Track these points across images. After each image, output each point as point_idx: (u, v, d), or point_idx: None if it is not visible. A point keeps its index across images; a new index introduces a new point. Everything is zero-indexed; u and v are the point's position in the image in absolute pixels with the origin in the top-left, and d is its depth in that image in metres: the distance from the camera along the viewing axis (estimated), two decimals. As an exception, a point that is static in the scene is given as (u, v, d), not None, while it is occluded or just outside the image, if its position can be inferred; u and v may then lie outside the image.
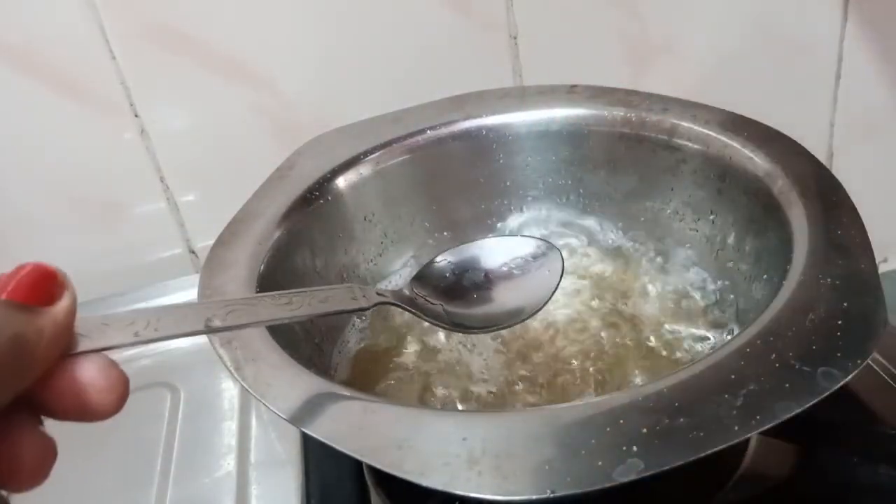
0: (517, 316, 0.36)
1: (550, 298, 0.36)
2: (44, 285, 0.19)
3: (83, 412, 0.19)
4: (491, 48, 0.56)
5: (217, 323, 0.25)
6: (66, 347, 0.20)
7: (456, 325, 0.36)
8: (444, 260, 0.39)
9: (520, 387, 0.39)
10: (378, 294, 0.33)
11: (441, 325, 0.36)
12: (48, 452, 0.19)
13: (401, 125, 0.48)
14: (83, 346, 0.20)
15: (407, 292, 0.36)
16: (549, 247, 0.39)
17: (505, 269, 0.38)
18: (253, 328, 0.32)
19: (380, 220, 0.47)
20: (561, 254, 0.38)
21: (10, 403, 0.18)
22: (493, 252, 0.39)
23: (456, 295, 0.37)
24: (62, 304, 0.19)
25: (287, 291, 0.28)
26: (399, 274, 0.48)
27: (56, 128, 0.52)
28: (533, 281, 0.38)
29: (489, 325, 0.36)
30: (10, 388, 0.18)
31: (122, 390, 0.20)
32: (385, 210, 0.47)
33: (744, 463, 0.36)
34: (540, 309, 0.36)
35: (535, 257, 0.39)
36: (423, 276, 0.38)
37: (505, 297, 0.37)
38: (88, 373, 0.19)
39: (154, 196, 0.56)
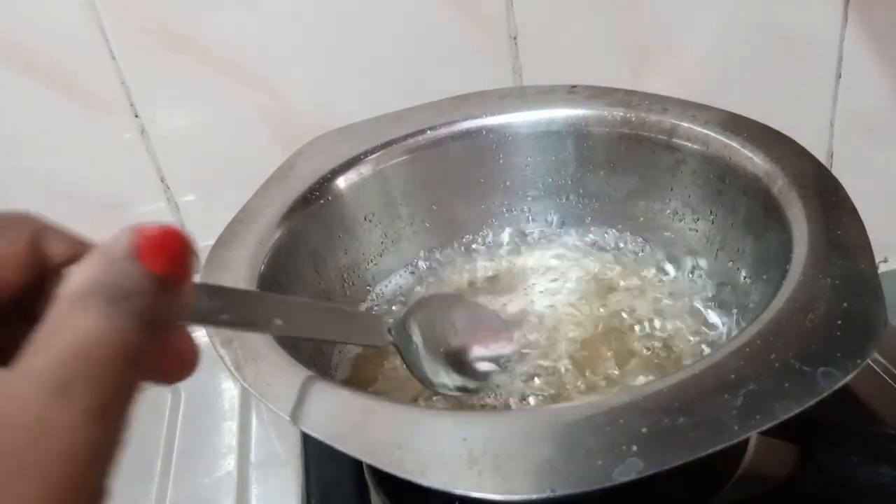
0: (473, 387, 0.38)
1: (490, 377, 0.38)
2: (187, 261, 0.19)
3: (163, 377, 0.20)
4: (491, 48, 0.56)
5: (279, 323, 0.26)
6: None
7: (422, 375, 0.36)
8: (427, 303, 0.39)
9: (521, 387, 0.39)
10: (389, 332, 0.34)
11: (414, 374, 0.36)
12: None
13: (401, 125, 0.48)
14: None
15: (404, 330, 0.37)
16: (506, 326, 0.41)
17: (471, 333, 0.40)
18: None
19: (380, 220, 0.47)
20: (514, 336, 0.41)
21: None
22: (467, 313, 0.41)
23: (433, 340, 0.38)
24: (192, 282, 0.19)
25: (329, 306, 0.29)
26: (399, 274, 0.48)
27: (56, 128, 0.52)
28: (489, 356, 0.40)
29: (447, 385, 0.37)
30: (146, 373, 0.18)
31: (197, 363, 0.21)
32: (385, 210, 0.47)
33: (744, 463, 0.36)
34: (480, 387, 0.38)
35: (496, 333, 0.41)
36: (413, 314, 0.38)
37: (468, 360, 0.39)
38: (181, 345, 0.20)
39: (154, 196, 0.56)
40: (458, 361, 0.38)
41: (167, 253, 0.18)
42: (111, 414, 0.17)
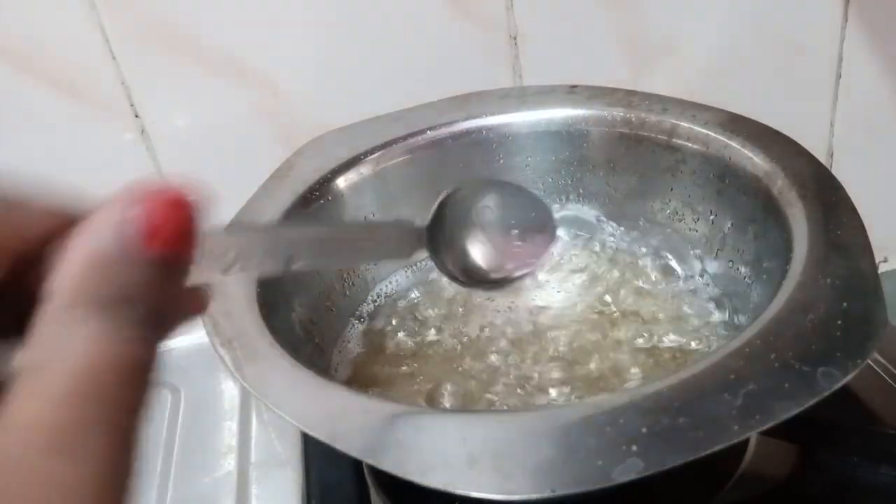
0: (506, 280, 0.35)
1: (539, 265, 0.35)
2: (194, 232, 0.15)
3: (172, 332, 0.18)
4: (491, 48, 0.56)
5: (298, 262, 0.24)
6: None
7: (454, 276, 0.33)
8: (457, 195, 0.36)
9: (522, 391, 0.39)
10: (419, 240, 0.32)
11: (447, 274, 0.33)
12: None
13: (401, 125, 0.48)
14: None
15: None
16: (545, 209, 0.37)
17: (503, 222, 0.36)
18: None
19: (380, 220, 0.47)
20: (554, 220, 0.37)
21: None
22: (496, 200, 0.36)
23: (466, 243, 0.35)
24: (197, 255, 0.16)
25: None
26: (399, 274, 0.48)
27: (56, 128, 0.52)
28: (526, 243, 0.36)
29: (478, 279, 0.34)
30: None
31: (208, 304, 0.18)
32: (385, 210, 0.47)
33: (744, 463, 0.36)
34: (527, 274, 0.35)
35: (532, 216, 0.37)
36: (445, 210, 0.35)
37: (498, 253, 0.35)
38: (188, 297, 0.17)
39: (154, 196, 0.56)
40: (490, 258, 0.35)
41: (170, 227, 0.14)
42: (126, 441, 0.14)
